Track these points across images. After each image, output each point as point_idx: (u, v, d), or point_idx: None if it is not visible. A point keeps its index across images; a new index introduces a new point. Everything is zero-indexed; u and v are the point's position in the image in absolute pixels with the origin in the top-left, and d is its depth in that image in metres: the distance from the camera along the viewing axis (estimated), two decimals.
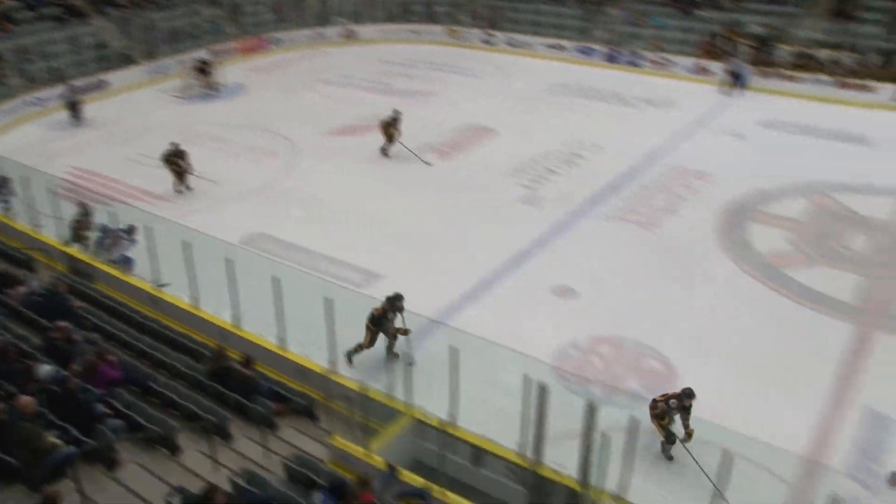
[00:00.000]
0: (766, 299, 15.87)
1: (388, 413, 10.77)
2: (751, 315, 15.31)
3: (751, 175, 21.92)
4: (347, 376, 11.56)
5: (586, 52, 35.18)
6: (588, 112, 28.09)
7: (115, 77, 30.06)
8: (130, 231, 15.58)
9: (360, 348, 12.82)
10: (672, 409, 11.01)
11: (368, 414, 10.34)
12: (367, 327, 12.77)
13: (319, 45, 37.26)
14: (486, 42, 37.56)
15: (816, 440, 11.97)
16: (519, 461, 9.87)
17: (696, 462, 9.97)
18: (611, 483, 9.35)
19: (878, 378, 13.46)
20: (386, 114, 23.02)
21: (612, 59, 34.56)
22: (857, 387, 13.22)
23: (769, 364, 13.74)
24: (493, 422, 11.21)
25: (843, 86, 29.81)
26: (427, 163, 22.38)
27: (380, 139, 22.74)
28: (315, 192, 20.41)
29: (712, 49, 32.60)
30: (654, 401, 11.20)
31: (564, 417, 9.65)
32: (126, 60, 31.13)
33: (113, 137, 24.79)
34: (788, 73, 30.89)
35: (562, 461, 9.73)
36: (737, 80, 30.75)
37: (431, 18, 38.94)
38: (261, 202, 19.86)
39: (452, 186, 21.06)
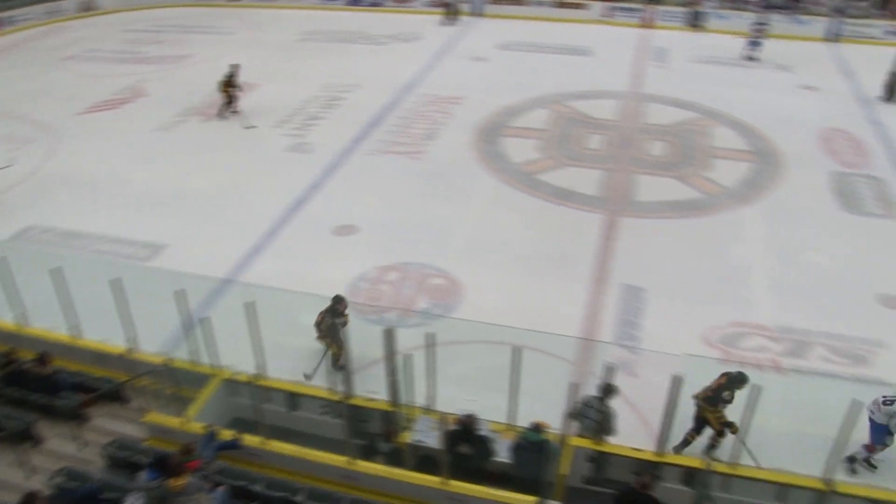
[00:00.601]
0: (526, 203, 16.67)
1: (198, 379, 10.31)
2: (516, 219, 16.07)
3: (497, 94, 22.74)
4: (149, 351, 10.89)
5: None
6: (341, 54, 27.67)
7: None
8: None
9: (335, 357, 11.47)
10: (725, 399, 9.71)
11: (179, 384, 9.85)
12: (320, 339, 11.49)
13: (57, 20, 33.78)
14: None
15: (587, 319, 12.87)
16: (332, 397, 9.84)
17: (748, 451, 9.07)
18: (420, 397, 9.59)
19: (627, 256, 14.67)
20: (223, 72, 21.46)
21: (355, 1, 34.14)
22: (612, 267, 14.32)
23: (538, 260, 14.56)
24: (301, 365, 11.11)
25: (562, 6, 31.45)
26: (252, 126, 21.03)
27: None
28: (83, 173, 18.68)
29: None
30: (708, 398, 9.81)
31: (367, 347, 9.71)
32: None
33: None
34: None
35: (372, 387, 9.82)
36: (451, 8, 31.43)
37: None
38: (26, 192, 17.91)
39: (223, 145, 20.07)
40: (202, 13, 34.47)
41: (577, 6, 31.36)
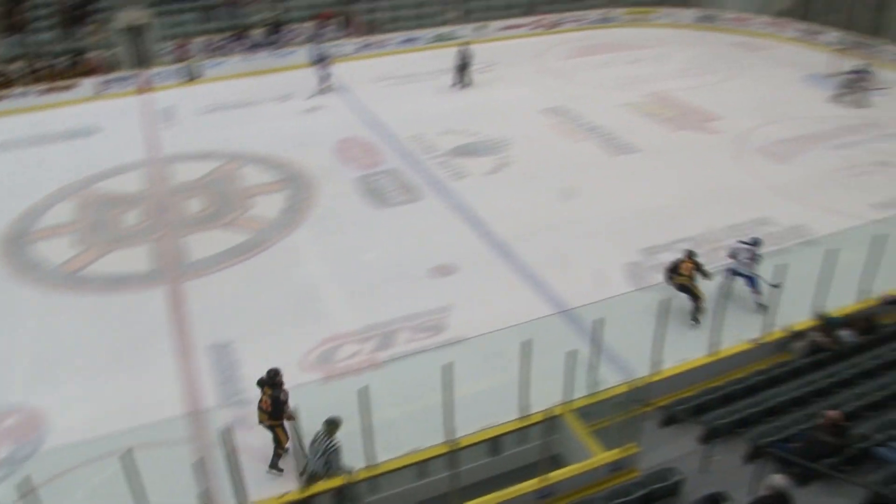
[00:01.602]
0: (81, 304, 15.42)
1: None
2: (75, 324, 14.79)
3: (7, 200, 20.41)
4: None
5: None
6: None
7: None
8: None
9: (278, 452, 10.37)
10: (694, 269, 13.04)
11: None
12: (270, 427, 10.31)
13: None
14: None
15: (186, 393, 12.52)
16: None
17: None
18: None
19: (203, 317, 14.54)
20: None
21: None
22: (192, 333, 14.08)
23: (114, 356, 13.67)
24: None
25: (50, 90, 29.23)
26: None
27: None
28: None
29: None
30: (672, 272, 13.13)
31: None
32: None
33: None
34: None
35: None
36: None
37: None
38: None
39: None
40: None
41: (66, 88, 29.54)
